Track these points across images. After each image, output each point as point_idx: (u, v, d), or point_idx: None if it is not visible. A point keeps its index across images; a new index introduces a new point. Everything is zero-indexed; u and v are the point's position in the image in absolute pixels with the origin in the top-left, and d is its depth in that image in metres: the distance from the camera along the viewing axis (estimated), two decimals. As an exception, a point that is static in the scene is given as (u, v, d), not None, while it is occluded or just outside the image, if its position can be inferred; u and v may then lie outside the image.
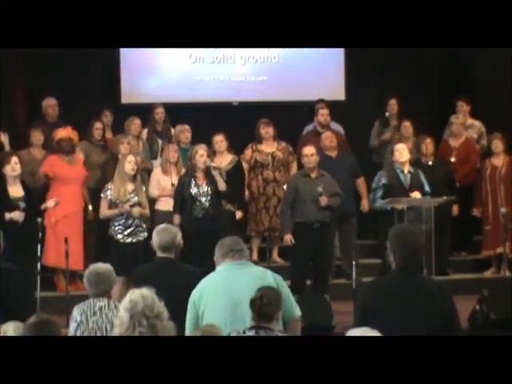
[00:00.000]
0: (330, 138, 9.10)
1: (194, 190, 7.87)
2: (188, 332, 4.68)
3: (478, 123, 10.07)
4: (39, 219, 7.73)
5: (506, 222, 8.82)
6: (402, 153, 8.42)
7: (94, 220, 8.62)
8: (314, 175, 8.12)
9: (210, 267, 5.03)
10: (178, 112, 10.06)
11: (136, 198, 7.82)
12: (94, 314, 4.88)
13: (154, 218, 8.24)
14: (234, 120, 10.22)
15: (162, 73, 10.76)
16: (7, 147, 8.77)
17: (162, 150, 9.04)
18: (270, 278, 4.75)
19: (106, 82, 10.67)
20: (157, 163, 9.09)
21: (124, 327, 3.67)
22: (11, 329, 4.14)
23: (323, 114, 9.59)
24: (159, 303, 3.72)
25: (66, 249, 7.58)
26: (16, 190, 7.71)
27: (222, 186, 7.85)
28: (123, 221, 7.76)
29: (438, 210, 8.13)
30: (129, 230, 7.77)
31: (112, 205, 7.81)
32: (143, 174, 8.59)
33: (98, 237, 8.72)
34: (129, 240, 7.76)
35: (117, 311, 4.55)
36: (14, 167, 7.71)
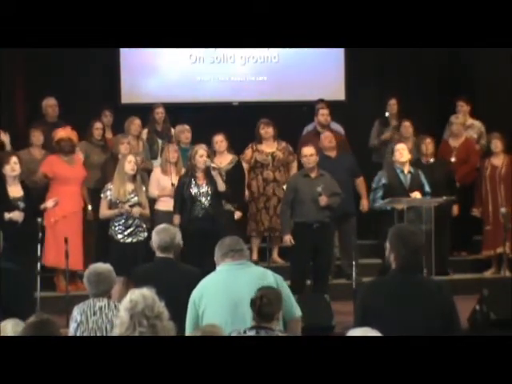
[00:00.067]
0: (329, 138, 9.10)
1: (194, 190, 7.87)
2: (188, 332, 4.68)
3: (477, 123, 10.08)
4: (39, 219, 7.75)
5: (506, 222, 8.82)
6: (402, 153, 8.42)
7: (94, 220, 8.62)
8: (313, 175, 8.12)
9: (210, 267, 5.04)
10: (178, 112, 10.05)
11: (136, 198, 7.82)
12: (94, 313, 4.88)
13: (154, 218, 8.24)
14: (233, 120, 10.22)
15: (162, 73, 10.76)
16: (8, 146, 8.77)
17: (162, 150, 9.03)
18: (271, 278, 4.75)
19: (106, 82, 10.67)
20: (157, 163, 9.09)
21: (124, 327, 3.67)
22: (10, 326, 4.14)
23: (323, 114, 9.59)
24: (159, 303, 3.72)
25: (65, 249, 7.58)
26: (15, 190, 7.72)
27: (221, 186, 7.85)
28: (123, 221, 7.76)
29: (437, 210, 8.13)
30: (129, 230, 7.77)
31: (112, 205, 7.81)
32: (143, 174, 8.59)
33: (97, 237, 8.72)
34: (129, 240, 7.76)
35: (117, 311, 4.55)
36: (13, 167, 7.72)
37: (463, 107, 10.02)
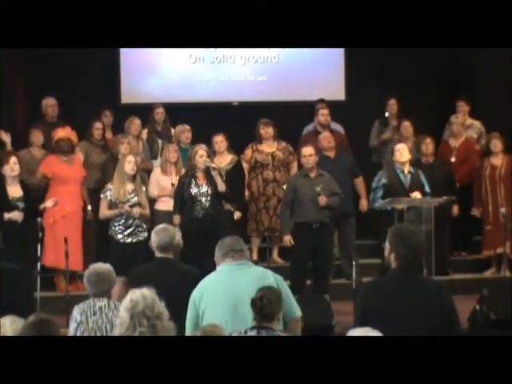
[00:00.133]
0: (328, 138, 9.10)
1: (194, 190, 7.87)
2: (188, 332, 4.68)
3: (477, 123, 10.08)
4: (39, 219, 7.75)
5: (506, 222, 8.83)
6: (402, 153, 8.42)
7: (94, 220, 8.62)
8: (313, 175, 8.12)
9: (211, 267, 5.04)
10: (178, 112, 10.05)
11: (136, 198, 7.82)
12: (94, 313, 4.88)
13: (154, 218, 8.24)
14: (233, 120, 10.22)
15: (162, 73, 10.76)
16: (9, 146, 8.78)
17: (162, 150, 9.03)
18: (271, 278, 4.75)
19: (106, 82, 10.66)
20: (157, 163, 9.09)
21: (124, 327, 3.67)
22: (8, 322, 4.13)
23: (323, 114, 9.58)
24: (160, 303, 3.73)
25: (65, 249, 7.58)
26: (15, 190, 7.72)
27: (221, 186, 7.85)
28: (123, 221, 7.76)
29: (437, 210, 8.13)
30: (129, 230, 7.77)
31: (112, 205, 7.81)
32: (143, 174, 8.59)
33: (97, 237, 8.72)
34: (129, 240, 7.76)
35: (117, 311, 4.55)
36: (12, 167, 7.72)
37: (463, 107, 10.02)
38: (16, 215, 7.55)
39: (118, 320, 3.75)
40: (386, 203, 8.08)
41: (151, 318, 3.67)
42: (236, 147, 9.21)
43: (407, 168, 8.43)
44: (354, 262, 7.59)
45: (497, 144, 9.32)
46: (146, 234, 7.70)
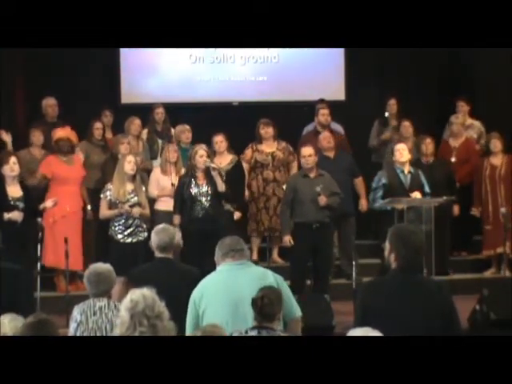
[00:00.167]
0: (327, 138, 9.10)
1: (194, 190, 7.87)
2: (188, 332, 4.68)
3: (477, 123, 10.08)
4: (39, 219, 7.75)
5: (506, 222, 8.83)
6: (402, 153, 8.42)
7: (94, 220, 8.62)
8: (312, 175, 8.12)
9: (211, 267, 5.04)
10: (178, 112, 10.05)
11: (136, 198, 7.82)
12: (94, 313, 4.88)
13: (154, 218, 8.24)
14: (234, 120, 10.22)
15: (162, 73, 10.76)
16: (9, 146, 8.78)
17: (162, 150, 9.03)
18: (271, 278, 4.75)
19: (106, 82, 10.67)
20: (157, 163, 9.09)
21: (125, 327, 3.67)
22: (7, 320, 4.13)
23: (324, 114, 9.58)
24: (160, 303, 3.73)
25: (65, 249, 7.58)
26: (15, 190, 7.72)
27: (220, 186, 7.85)
28: (123, 221, 7.76)
29: (437, 210, 8.12)
30: (129, 230, 7.78)
31: (112, 205, 7.81)
32: (143, 174, 8.59)
33: (97, 237, 8.72)
34: (129, 240, 7.77)
35: (117, 311, 4.56)
36: (12, 167, 7.71)
37: (463, 107, 10.02)
38: (16, 215, 7.54)
39: (119, 320, 3.75)
40: (386, 203, 8.08)
41: (151, 317, 3.67)
42: (236, 147, 9.21)
43: (407, 168, 8.43)
44: (353, 262, 7.59)
45: (496, 144, 9.32)
46: (145, 233, 7.69)
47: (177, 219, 7.88)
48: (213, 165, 7.95)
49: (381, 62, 10.77)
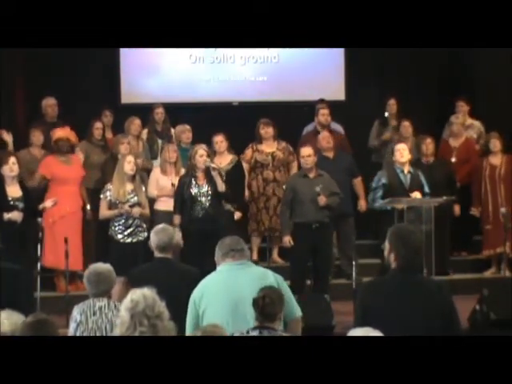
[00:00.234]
0: (326, 138, 9.10)
1: (194, 190, 7.86)
2: (188, 332, 4.68)
3: (477, 123, 10.08)
4: (39, 219, 7.75)
5: (506, 222, 8.83)
6: (402, 153, 8.42)
7: (94, 220, 8.62)
8: (312, 175, 8.13)
9: (211, 267, 5.04)
10: (178, 112, 10.05)
11: (136, 198, 7.82)
12: (94, 313, 4.88)
13: (154, 218, 8.23)
14: (233, 120, 10.22)
15: (162, 73, 10.76)
16: (10, 146, 8.78)
17: (162, 150, 9.03)
18: (271, 278, 4.75)
19: (106, 82, 10.66)
20: (156, 163, 9.09)
21: (125, 327, 3.67)
22: (5, 316, 4.12)
23: (324, 114, 9.58)
24: (160, 303, 3.73)
25: (65, 249, 7.57)
26: (14, 191, 7.72)
27: (221, 186, 7.85)
28: (123, 221, 7.77)
29: (438, 210, 8.12)
30: (129, 230, 7.78)
31: (112, 205, 7.81)
32: (142, 174, 8.59)
33: (97, 237, 8.72)
34: (129, 240, 7.77)
35: (117, 311, 4.56)
36: (11, 167, 7.72)
37: (463, 107, 10.02)
38: (15, 215, 7.54)
39: (119, 320, 3.75)
40: (386, 203, 8.08)
41: (152, 317, 3.67)
42: (236, 147, 9.21)
43: (407, 168, 8.43)
44: (353, 262, 7.59)
45: (496, 144, 9.32)
46: (145, 233, 7.69)
47: (177, 219, 7.88)
48: (213, 165, 7.95)
49: (381, 62, 10.77)
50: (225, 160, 8.85)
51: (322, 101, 10.00)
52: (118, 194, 7.77)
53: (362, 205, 9.03)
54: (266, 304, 4.34)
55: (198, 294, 4.79)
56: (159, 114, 9.60)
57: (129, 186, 7.85)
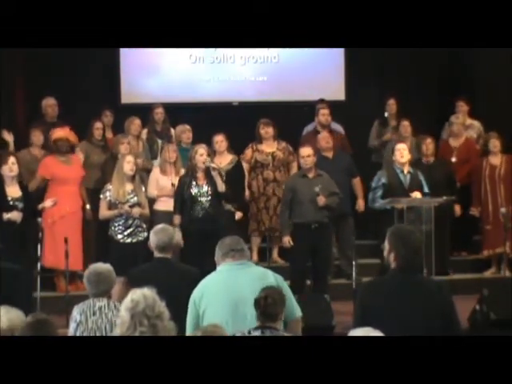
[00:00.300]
0: (326, 138, 9.11)
1: (194, 190, 7.86)
2: (188, 332, 4.68)
3: (477, 123, 10.08)
4: (39, 219, 7.75)
5: (506, 222, 8.82)
6: (402, 153, 8.42)
7: (94, 220, 8.62)
8: (311, 175, 8.13)
9: (211, 267, 5.04)
10: (178, 112, 10.05)
11: (135, 199, 7.82)
12: (94, 313, 4.88)
13: (153, 218, 8.23)
14: (234, 120, 10.22)
15: (162, 73, 10.76)
16: (11, 146, 8.78)
17: (162, 150, 9.03)
18: (271, 278, 4.75)
19: (106, 82, 10.67)
20: (156, 163, 9.09)
21: (125, 327, 3.68)
22: (3, 312, 4.12)
23: (324, 114, 9.58)
24: (160, 303, 3.73)
25: (65, 249, 7.57)
26: (14, 191, 7.72)
27: (221, 186, 7.85)
28: (123, 221, 7.76)
29: (438, 210, 8.12)
30: (129, 231, 7.77)
31: (111, 205, 7.81)
32: (142, 174, 8.59)
33: (97, 237, 8.72)
34: (129, 240, 7.76)
35: (116, 311, 4.56)
36: (11, 168, 7.72)
37: (463, 107, 10.02)
38: (15, 215, 7.54)
39: (119, 320, 3.76)
40: (386, 203, 8.08)
41: (152, 317, 3.67)
42: (236, 147, 9.21)
43: (407, 168, 8.43)
44: (353, 262, 7.60)
45: (495, 143, 9.32)
46: (145, 234, 7.68)
47: (177, 219, 7.87)
48: (213, 165, 7.95)
49: (381, 62, 10.77)
50: (225, 160, 8.85)
51: (322, 101, 10.00)
52: (117, 194, 7.77)
53: (360, 204, 9.04)
54: (268, 304, 4.34)
55: (198, 294, 4.79)
56: (159, 113, 9.60)
57: (128, 186, 7.84)
